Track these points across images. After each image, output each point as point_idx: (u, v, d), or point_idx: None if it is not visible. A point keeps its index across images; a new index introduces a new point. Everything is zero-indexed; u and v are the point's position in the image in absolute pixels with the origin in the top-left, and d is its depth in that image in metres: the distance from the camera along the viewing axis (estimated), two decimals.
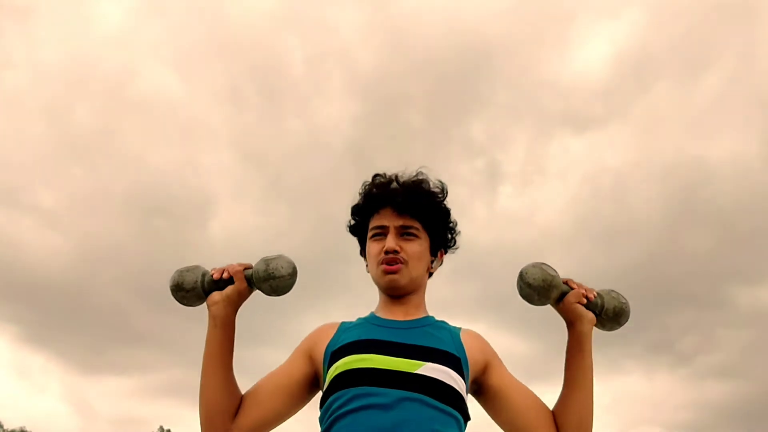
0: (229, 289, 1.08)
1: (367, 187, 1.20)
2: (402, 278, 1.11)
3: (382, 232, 1.14)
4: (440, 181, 1.19)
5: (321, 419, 1.02)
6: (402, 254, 1.12)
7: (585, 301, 1.09)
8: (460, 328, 1.14)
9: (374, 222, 1.16)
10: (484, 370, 1.09)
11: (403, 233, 1.13)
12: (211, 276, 1.10)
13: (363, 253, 1.22)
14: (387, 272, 1.11)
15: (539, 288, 1.09)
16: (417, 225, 1.14)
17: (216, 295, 1.08)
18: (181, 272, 1.10)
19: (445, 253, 1.22)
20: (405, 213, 1.14)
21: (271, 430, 1.09)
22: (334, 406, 0.99)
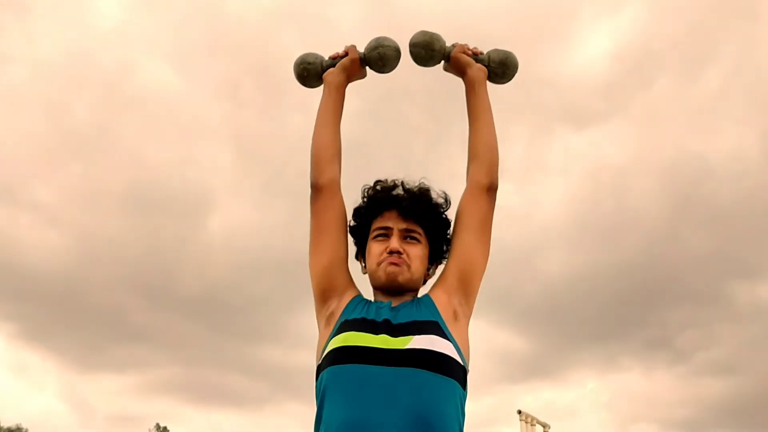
0: (344, 59, 1.30)
1: (370, 190, 1.23)
2: (402, 274, 1.13)
3: (385, 234, 1.16)
4: (444, 192, 1.23)
5: (316, 394, 1.04)
6: (404, 256, 1.14)
7: (470, 52, 1.30)
8: (428, 294, 1.16)
9: (377, 224, 1.18)
10: (450, 292, 1.13)
11: (406, 236, 1.16)
12: (329, 58, 1.32)
13: (358, 256, 1.24)
14: (390, 264, 1.13)
15: (421, 43, 1.28)
16: (420, 230, 1.17)
17: (331, 69, 1.30)
18: (305, 53, 1.33)
19: (440, 263, 1.24)
20: (409, 217, 1.16)
21: (329, 210, 1.19)
22: (327, 382, 1.00)
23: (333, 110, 1.26)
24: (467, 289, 1.14)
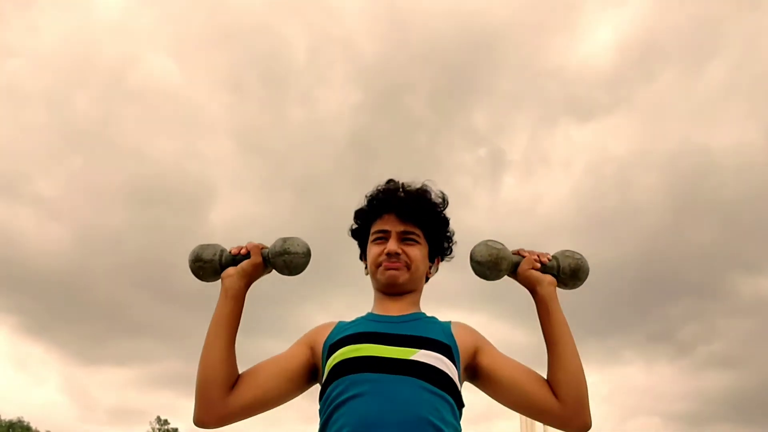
0: (245, 262, 1.14)
1: (372, 193, 1.23)
2: (401, 275, 1.15)
3: (384, 237, 1.18)
4: (442, 192, 1.24)
5: (321, 410, 1.04)
6: (403, 257, 1.15)
7: (538, 266, 1.16)
8: (450, 322, 1.16)
9: (376, 226, 1.20)
10: (475, 353, 1.11)
11: (405, 239, 1.17)
12: (230, 252, 1.16)
13: (362, 257, 1.25)
14: (388, 268, 1.15)
15: (487, 263, 1.15)
16: (418, 232, 1.19)
17: (231, 269, 1.14)
18: (201, 246, 1.18)
19: (442, 260, 1.26)
20: (408, 220, 1.18)
21: (262, 412, 1.09)
22: (333, 394, 1.01)
23: (229, 322, 1.10)
24: (477, 376, 1.11)
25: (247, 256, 1.14)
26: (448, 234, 1.25)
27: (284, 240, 1.15)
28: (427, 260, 1.20)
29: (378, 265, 1.16)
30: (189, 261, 1.17)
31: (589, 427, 1.06)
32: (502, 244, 1.17)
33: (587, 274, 1.19)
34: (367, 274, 1.22)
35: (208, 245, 1.18)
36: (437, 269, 1.25)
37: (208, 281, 1.18)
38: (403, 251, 1.16)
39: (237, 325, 1.12)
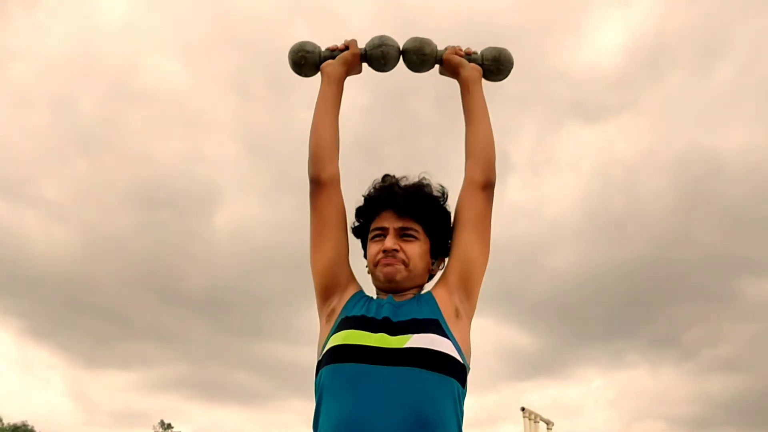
0: (346, 52, 1.28)
1: (369, 190, 1.22)
2: (399, 273, 1.12)
3: (381, 234, 1.16)
4: (441, 186, 1.22)
5: (315, 391, 1.04)
6: (401, 254, 1.13)
7: (462, 53, 1.29)
8: (430, 291, 1.15)
9: (375, 224, 1.18)
10: (452, 290, 1.12)
11: (403, 235, 1.15)
12: (327, 49, 1.30)
13: (366, 255, 1.23)
14: (385, 265, 1.12)
15: (412, 48, 1.28)
16: (417, 228, 1.16)
17: (330, 60, 1.28)
18: (302, 41, 1.31)
19: (446, 256, 1.22)
20: (405, 215, 1.15)
21: (334, 200, 1.18)
22: (325, 380, 1.01)
23: (333, 102, 1.24)
24: (468, 287, 1.14)
25: (345, 50, 1.28)
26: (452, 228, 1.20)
27: (380, 36, 1.29)
28: (427, 256, 1.17)
29: (376, 264, 1.14)
30: (291, 53, 1.30)
31: (494, 181, 1.19)
32: (428, 38, 1.29)
33: (510, 61, 1.31)
34: (369, 272, 1.20)
35: (309, 41, 1.31)
36: (442, 266, 1.21)
37: (304, 75, 1.31)
38: (401, 248, 1.13)
39: (339, 105, 1.25)
